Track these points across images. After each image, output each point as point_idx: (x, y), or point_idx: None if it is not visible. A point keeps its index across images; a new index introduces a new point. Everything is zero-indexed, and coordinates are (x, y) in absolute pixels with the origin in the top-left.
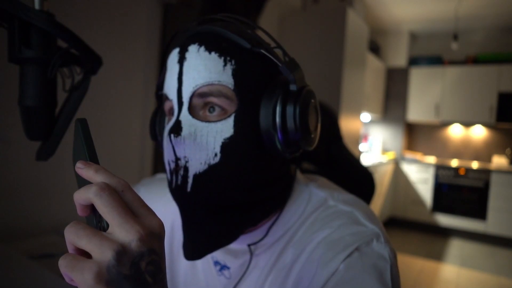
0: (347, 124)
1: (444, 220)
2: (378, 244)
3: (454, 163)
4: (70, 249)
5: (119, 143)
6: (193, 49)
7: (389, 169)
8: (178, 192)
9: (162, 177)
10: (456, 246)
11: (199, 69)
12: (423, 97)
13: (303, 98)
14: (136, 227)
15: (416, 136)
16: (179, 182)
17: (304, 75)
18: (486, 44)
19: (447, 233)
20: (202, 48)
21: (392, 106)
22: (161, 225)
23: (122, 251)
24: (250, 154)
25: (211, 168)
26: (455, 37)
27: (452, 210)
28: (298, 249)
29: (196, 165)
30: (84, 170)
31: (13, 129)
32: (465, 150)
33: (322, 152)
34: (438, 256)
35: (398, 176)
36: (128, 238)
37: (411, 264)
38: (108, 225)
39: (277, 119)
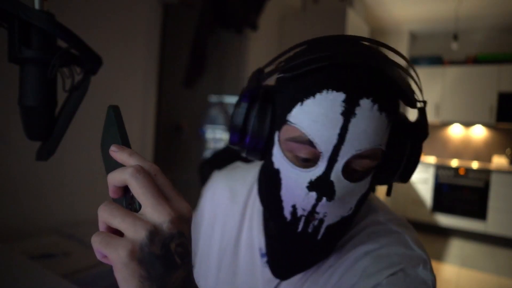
0: None
1: (444, 220)
2: (423, 270)
3: (454, 163)
4: (102, 227)
5: None
6: (366, 105)
7: None
8: (304, 236)
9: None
10: (456, 246)
11: (368, 132)
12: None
13: (417, 145)
14: (168, 209)
15: None
16: (309, 229)
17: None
18: (486, 44)
19: (447, 233)
20: (376, 107)
21: None
22: (189, 209)
23: (154, 231)
24: (363, 201)
25: (343, 219)
26: (455, 37)
27: (452, 210)
28: (342, 254)
29: (332, 218)
30: (118, 153)
31: (13, 129)
32: (465, 150)
33: None
34: (438, 256)
35: None
36: (160, 220)
37: None
38: (140, 207)
39: (402, 168)
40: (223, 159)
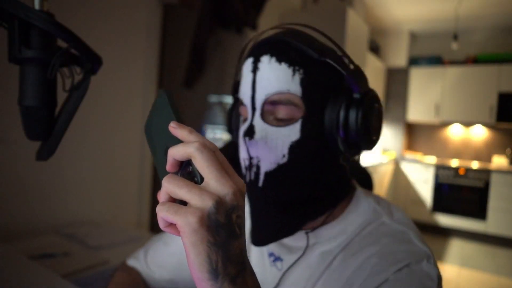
0: None
1: (444, 220)
2: (427, 265)
3: (454, 163)
4: (163, 198)
5: (119, 143)
6: (265, 59)
7: (389, 169)
8: (250, 186)
9: None
10: (456, 246)
11: (270, 79)
12: (423, 97)
13: (366, 103)
14: (230, 182)
15: (416, 136)
16: (252, 177)
17: (367, 81)
18: (486, 44)
19: (447, 233)
20: (274, 59)
21: (392, 106)
22: (244, 185)
23: (220, 201)
24: (314, 156)
25: (280, 167)
26: (455, 37)
27: (452, 210)
28: (350, 256)
29: (267, 164)
30: (178, 130)
31: (13, 129)
32: (465, 150)
33: None
34: (438, 256)
35: (398, 176)
36: (224, 191)
37: None
38: (201, 180)
39: (340, 123)
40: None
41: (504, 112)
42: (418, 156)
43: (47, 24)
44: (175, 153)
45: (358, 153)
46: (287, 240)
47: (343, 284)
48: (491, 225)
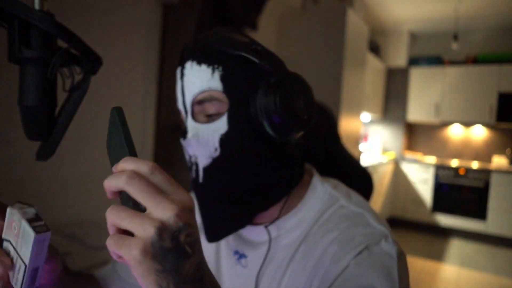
0: (347, 124)
1: (444, 220)
2: (386, 244)
3: (454, 163)
4: (111, 230)
5: None
6: (188, 65)
7: (389, 169)
8: (194, 184)
9: None
10: (456, 246)
11: (193, 81)
12: (423, 97)
13: (284, 85)
14: (171, 204)
15: (416, 136)
16: (193, 175)
17: (284, 65)
18: (486, 44)
19: (447, 233)
20: (194, 63)
21: (392, 106)
22: (191, 200)
23: (162, 227)
24: (246, 145)
25: (215, 161)
26: (455, 37)
27: (452, 210)
28: (312, 245)
29: (203, 160)
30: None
31: (13, 129)
32: (465, 150)
33: (321, 152)
34: (438, 256)
35: (398, 176)
36: (165, 216)
37: (411, 264)
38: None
39: (262, 108)
40: None
41: (504, 112)
42: (418, 156)
43: (47, 24)
44: (108, 186)
45: (289, 135)
46: (249, 236)
47: (308, 275)
48: (491, 225)
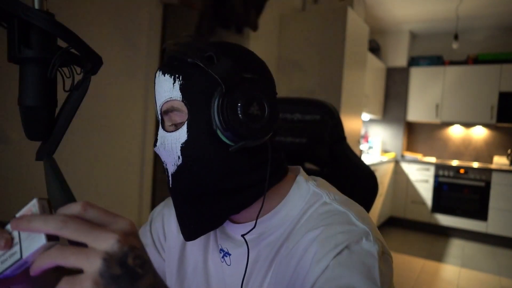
0: (347, 124)
1: (445, 220)
2: (367, 242)
3: (455, 163)
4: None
5: (119, 143)
6: (157, 74)
7: (389, 169)
8: (167, 188)
9: None
10: (456, 246)
11: (159, 91)
12: (423, 97)
13: (232, 93)
14: (111, 233)
15: (416, 136)
16: (167, 180)
17: (238, 72)
18: (487, 44)
19: (447, 233)
20: (160, 73)
21: (392, 106)
22: (131, 224)
23: (108, 256)
24: (205, 153)
25: (179, 168)
26: (456, 36)
27: (453, 210)
28: (294, 244)
29: (170, 167)
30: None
31: (13, 129)
32: (465, 150)
33: (325, 152)
34: (438, 256)
35: (398, 176)
36: (108, 244)
37: (411, 264)
38: None
39: (215, 117)
40: None
41: (505, 112)
42: (418, 156)
43: (47, 24)
44: (38, 231)
45: (246, 143)
46: (232, 233)
47: (291, 274)
48: (491, 225)
